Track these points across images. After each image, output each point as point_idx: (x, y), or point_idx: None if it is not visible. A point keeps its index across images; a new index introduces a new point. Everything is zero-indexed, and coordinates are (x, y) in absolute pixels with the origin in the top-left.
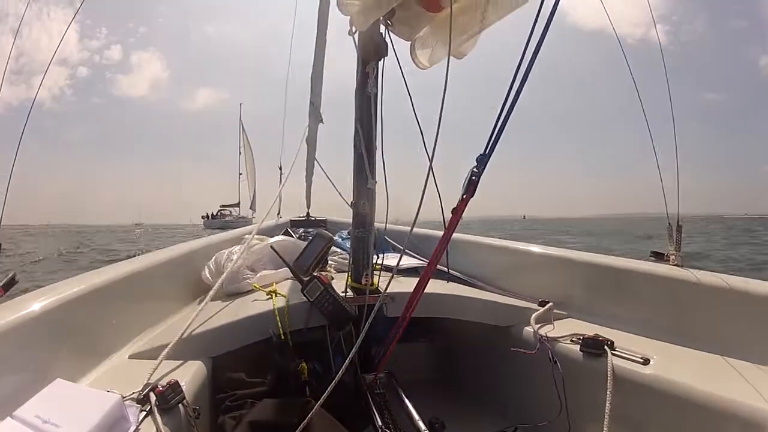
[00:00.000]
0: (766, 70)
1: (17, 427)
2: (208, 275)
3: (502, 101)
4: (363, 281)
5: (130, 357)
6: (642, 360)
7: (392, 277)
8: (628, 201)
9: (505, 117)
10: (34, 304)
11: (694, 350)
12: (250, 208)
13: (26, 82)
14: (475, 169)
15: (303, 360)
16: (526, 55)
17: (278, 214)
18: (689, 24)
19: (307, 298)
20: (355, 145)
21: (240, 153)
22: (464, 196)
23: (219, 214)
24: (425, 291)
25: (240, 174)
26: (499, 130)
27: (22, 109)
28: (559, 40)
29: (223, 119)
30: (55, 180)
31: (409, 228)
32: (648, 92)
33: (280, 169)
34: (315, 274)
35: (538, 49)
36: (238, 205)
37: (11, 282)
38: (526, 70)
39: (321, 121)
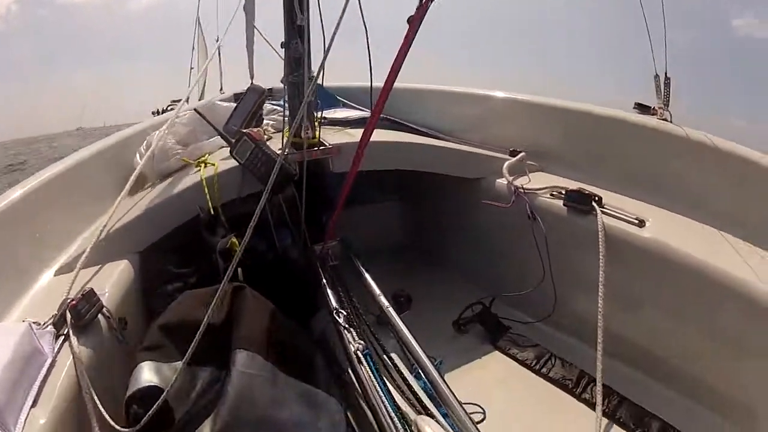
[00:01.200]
0: (740, 31)
1: None
2: (139, 160)
3: None
4: (303, 134)
5: (56, 273)
6: (637, 221)
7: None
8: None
9: None
10: None
11: (685, 217)
12: (199, 99)
13: None
14: None
15: (233, 235)
16: None
17: (221, 90)
18: None
19: (237, 160)
20: None
21: (194, 48)
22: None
23: (169, 109)
24: (378, 140)
25: (192, 68)
26: None
27: None
28: None
29: (173, 15)
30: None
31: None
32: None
33: (217, 40)
34: (245, 130)
35: None
36: (188, 99)
37: None
38: None
39: None
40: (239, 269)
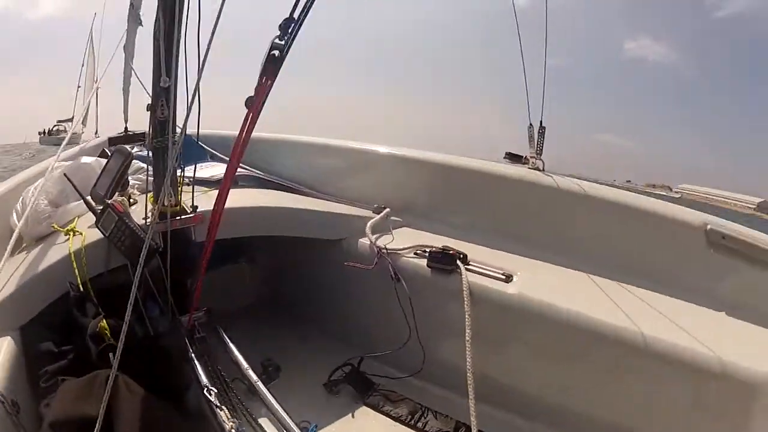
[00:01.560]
0: (629, 53)
1: None
2: (15, 220)
3: None
4: (165, 202)
5: None
6: (504, 276)
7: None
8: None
9: None
10: None
11: (557, 266)
12: (81, 123)
13: None
14: (277, 41)
15: (102, 317)
16: None
17: (95, 133)
18: None
19: (102, 232)
20: (154, 35)
21: (83, 65)
22: (263, 79)
23: (55, 129)
24: (238, 206)
25: (78, 87)
26: None
27: None
28: None
29: (69, 28)
30: None
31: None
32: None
33: (96, 80)
34: (110, 201)
35: None
36: (71, 119)
37: None
38: None
39: (140, 23)
40: (110, 353)
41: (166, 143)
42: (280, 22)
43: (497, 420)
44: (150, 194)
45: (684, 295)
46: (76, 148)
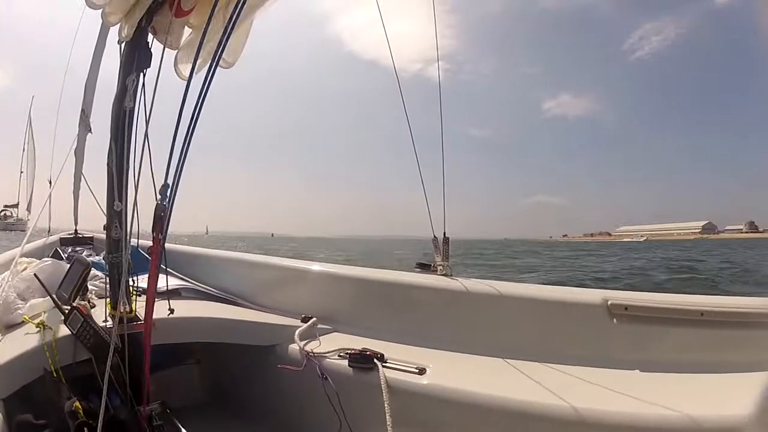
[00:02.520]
0: (550, 113)
1: None
2: None
3: (175, 127)
4: (120, 309)
5: None
6: (417, 370)
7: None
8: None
9: (184, 143)
10: None
11: (470, 355)
12: (27, 209)
13: None
14: (159, 202)
15: (76, 398)
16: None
17: (48, 232)
18: (474, 65)
19: (70, 330)
20: (108, 163)
21: (24, 150)
22: (154, 236)
23: (2, 215)
24: (179, 316)
25: (21, 172)
26: (181, 156)
27: None
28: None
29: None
30: None
31: (177, 246)
32: (420, 123)
33: (50, 182)
34: (75, 304)
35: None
36: (17, 206)
37: None
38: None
39: (90, 131)
40: (85, 428)
41: (120, 259)
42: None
43: None
44: (108, 301)
45: (596, 364)
46: (30, 246)
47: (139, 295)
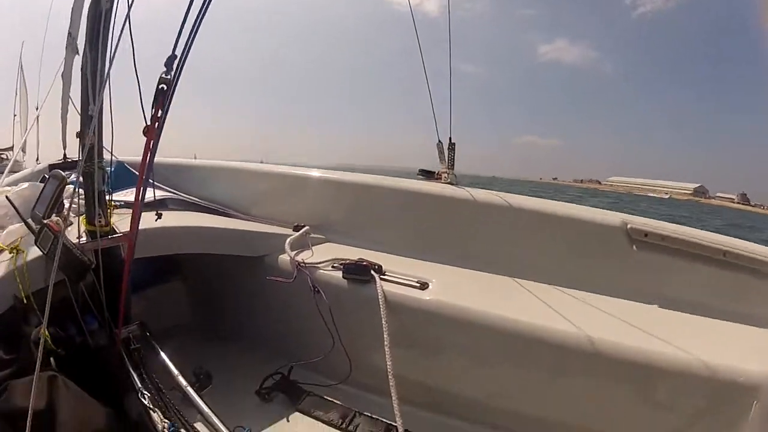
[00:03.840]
0: (544, 57)
1: None
2: None
3: None
4: (96, 222)
5: None
6: (418, 284)
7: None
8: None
9: (199, 14)
10: None
11: (475, 271)
12: (22, 150)
13: None
14: (164, 75)
15: (44, 324)
16: None
17: (36, 160)
18: (471, 2)
19: (40, 250)
20: (82, 68)
21: (16, 94)
22: (153, 112)
23: None
24: (162, 226)
25: (15, 116)
26: (195, 23)
27: None
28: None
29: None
30: None
31: (164, 158)
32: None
33: (36, 109)
34: (46, 221)
35: None
36: (11, 149)
37: None
38: None
39: (77, 53)
40: (51, 358)
41: (93, 168)
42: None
43: (429, 422)
44: (83, 216)
45: (612, 292)
46: (18, 174)
47: (118, 208)
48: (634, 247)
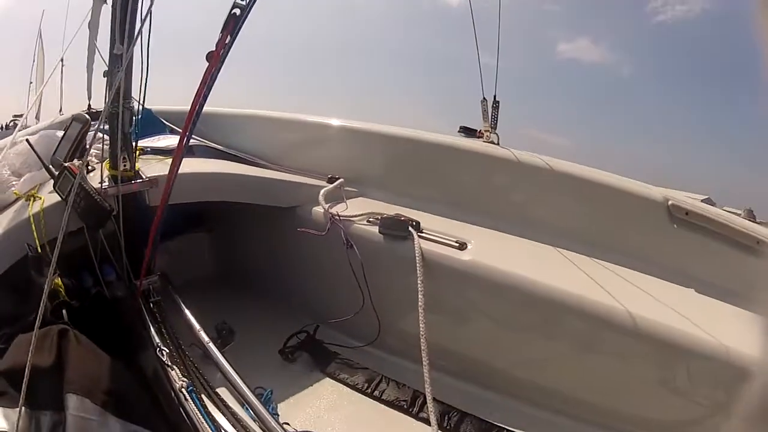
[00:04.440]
0: (562, 55)
1: None
2: None
3: None
4: (119, 167)
5: None
6: (458, 244)
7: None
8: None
9: None
10: None
11: (513, 236)
12: (36, 117)
13: None
14: (239, 1)
15: (56, 275)
16: None
17: (60, 111)
18: None
19: (59, 194)
20: (112, 4)
21: (34, 61)
22: (222, 34)
23: (12, 124)
24: (191, 171)
25: (31, 83)
26: None
27: None
28: None
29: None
30: None
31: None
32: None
33: (62, 61)
34: (66, 164)
35: None
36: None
37: None
38: None
39: (105, 1)
40: (63, 310)
41: (120, 109)
42: None
43: (455, 390)
44: (106, 161)
45: (649, 269)
46: (39, 124)
47: (144, 153)
48: (674, 225)
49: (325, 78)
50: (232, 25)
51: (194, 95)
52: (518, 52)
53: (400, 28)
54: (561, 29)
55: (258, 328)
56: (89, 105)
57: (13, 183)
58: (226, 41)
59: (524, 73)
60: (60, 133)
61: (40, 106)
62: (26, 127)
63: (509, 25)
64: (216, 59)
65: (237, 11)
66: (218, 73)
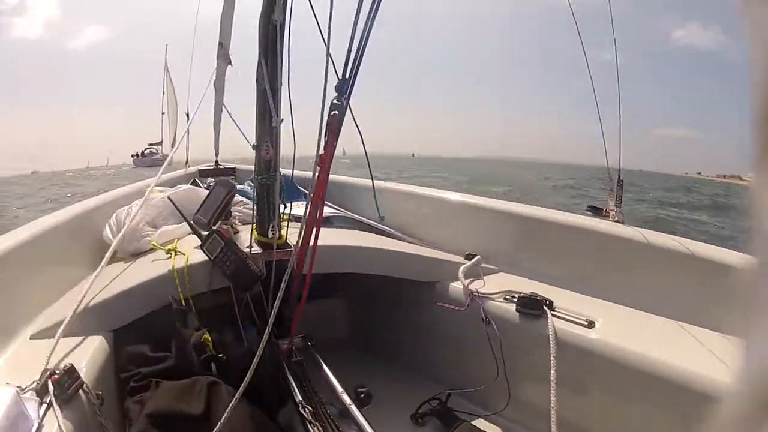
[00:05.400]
0: (679, 42)
1: None
2: (109, 235)
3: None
4: (269, 234)
5: (32, 337)
6: (586, 323)
7: (302, 228)
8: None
9: (364, 32)
10: None
11: (640, 311)
12: (172, 146)
13: None
14: (335, 101)
15: (206, 330)
16: None
17: (186, 163)
18: None
19: (207, 255)
20: (257, 80)
21: (163, 93)
22: (326, 138)
23: (148, 152)
24: (336, 244)
25: (163, 113)
26: (359, 49)
27: None
28: None
29: (115, 59)
30: None
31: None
32: (550, 46)
33: (187, 115)
34: (215, 227)
35: None
36: (161, 143)
37: None
38: None
39: (230, 63)
40: (212, 363)
41: (271, 180)
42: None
43: None
44: (254, 226)
45: None
46: (168, 175)
47: (290, 221)
48: None
49: (481, 96)
50: (335, 126)
51: (313, 191)
52: (633, 44)
53: (528, 30)
54: (671, 13)
55: (391, 393)
56: (216, 161)
57: (147, 232)
58: (335, 144)
59: (644, 64)
60: (201, 192)
61: (175, 137)
62: (165, 156)
63: (619, 18)
64: (326, 162)
65: (336, 113)
66: (330, 167)
